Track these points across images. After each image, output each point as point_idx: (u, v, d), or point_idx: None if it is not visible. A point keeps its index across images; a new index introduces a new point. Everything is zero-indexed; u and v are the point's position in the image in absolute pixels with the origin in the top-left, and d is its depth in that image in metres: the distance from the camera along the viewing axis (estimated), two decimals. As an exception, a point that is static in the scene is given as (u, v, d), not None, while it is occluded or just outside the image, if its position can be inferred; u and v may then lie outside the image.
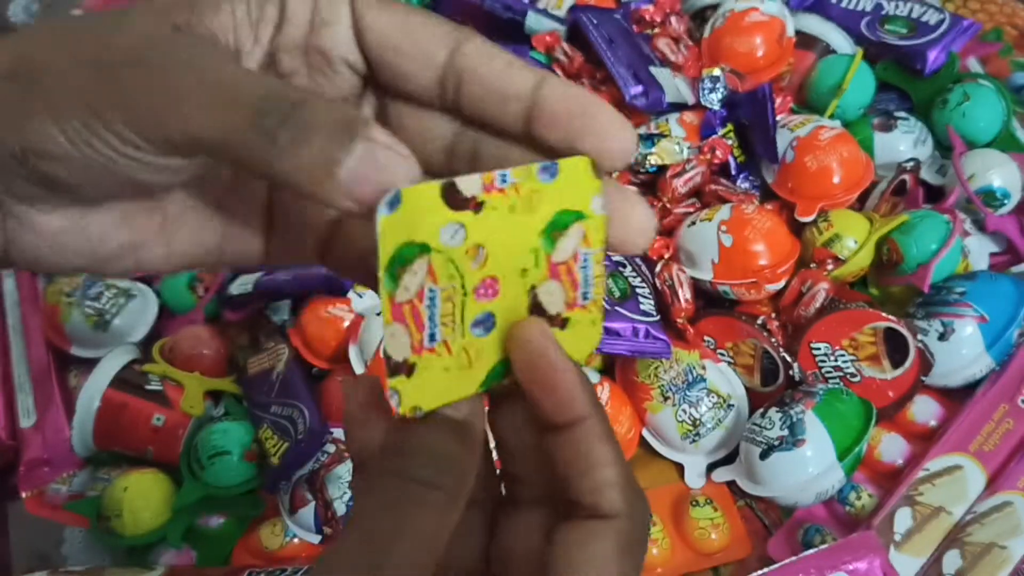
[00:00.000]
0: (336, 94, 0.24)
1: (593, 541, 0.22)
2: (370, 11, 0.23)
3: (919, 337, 0.58)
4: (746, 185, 0.68)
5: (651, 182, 0.68)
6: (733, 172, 0.68)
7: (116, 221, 0.23)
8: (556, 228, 0.21)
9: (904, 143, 0.69)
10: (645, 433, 0.60)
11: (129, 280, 0.68)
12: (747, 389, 0.60)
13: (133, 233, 0.24)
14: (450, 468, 0.21)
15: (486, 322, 0.22)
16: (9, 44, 0.22)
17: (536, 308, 0.22)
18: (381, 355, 0.49)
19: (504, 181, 0.20)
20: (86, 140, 0.20)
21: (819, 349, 0.60)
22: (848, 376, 0.59)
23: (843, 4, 0.77)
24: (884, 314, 0.58)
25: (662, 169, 0.66)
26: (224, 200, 0.25)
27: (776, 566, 0.50)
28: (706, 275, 0.62)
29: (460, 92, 0.22)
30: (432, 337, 0.21)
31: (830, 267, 0.62)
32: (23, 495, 0.59)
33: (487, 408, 0.24)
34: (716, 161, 0.67)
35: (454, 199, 0.20)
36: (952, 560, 0.51)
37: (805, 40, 0.75)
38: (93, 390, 0.59)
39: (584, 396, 0.22)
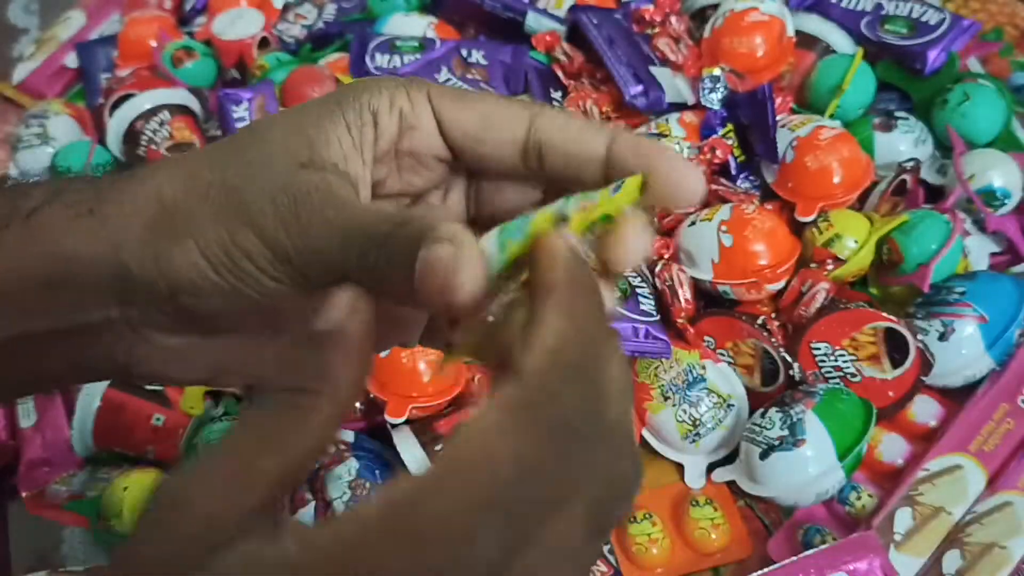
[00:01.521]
0: (427, 185, 0.27)
1: (481, 406, 0.20)
2: (449, 108, 0.25)
3: (919, 337, 0.58)
4: (746, 185, 0.68)
5: (651, 182, 0.68)
6: (733, 172, 0.68)
7: (234, 346, 0.26)
8: (590, 228, 0.23)
9: (904, 143, 0.69)
10: (645, 433, 0.60)
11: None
12: (747, 389, 0.60)
13: (247, 356, 0.27)
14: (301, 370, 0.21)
15: None
16: (141, 192, 0.25)
17: None
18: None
19: (589, 200, 0.23)
20: (230, 270, 0.24)
21: (819, 349, 0.60)
22: (848, 376, 0.59)
23: (843, 4, 0.77)
24: (884, 314, 0.58)
25: (662, 169, 0.66)
26: None
27: (776, 566, 0.50)
28: (706, 275, 0.62)
29: (542, 164, 0.25)
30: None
31: (830, 267, 0.62)
32: (23, 495, 0.59)
33: None
34: (716, 161, 0.67)
35: (559, 219, 0.23)
36: (952, 560, 0.51)
37: (805, 40, 0.75)
38: (93, 390, 0.59)
39: (561, 267, 0.21)
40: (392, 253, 0.22)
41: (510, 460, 0.18)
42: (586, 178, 0.25)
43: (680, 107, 0.71)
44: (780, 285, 0.62)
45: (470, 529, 0.18)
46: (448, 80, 0.75)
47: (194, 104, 0.78)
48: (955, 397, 0.60)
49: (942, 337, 0.58)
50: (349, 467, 0.55)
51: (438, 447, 0.55)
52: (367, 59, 0.76)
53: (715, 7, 0.76)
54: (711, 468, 0.59)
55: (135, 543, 0.20)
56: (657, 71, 0.72)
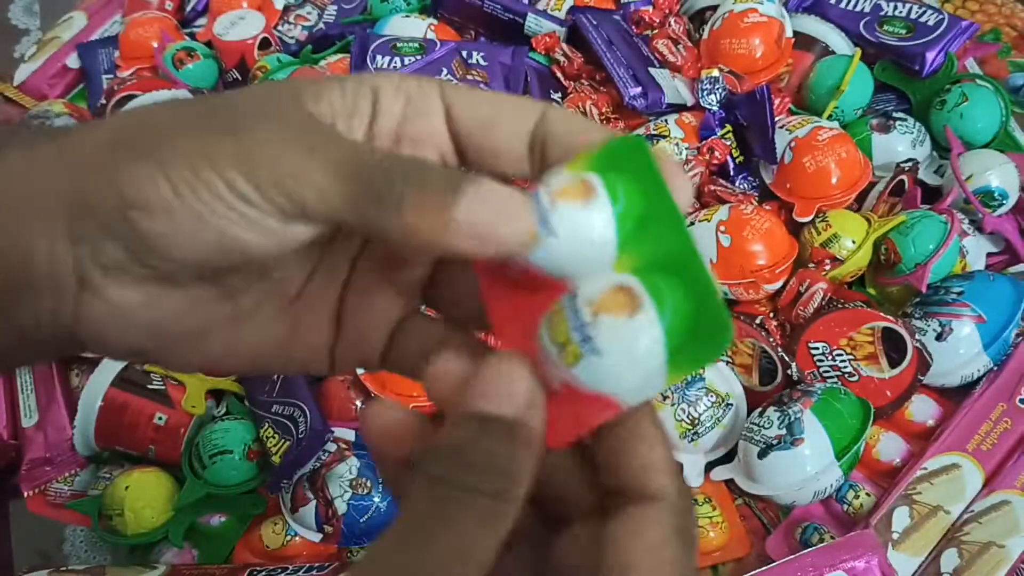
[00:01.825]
0: None
1: (648, 526, 0.21)
2: (460, 97, 0.24)
3: (917, 337, 0.58)
4: (744, 186, 0.69)
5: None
6: (731, 173, 0.68)
7: (188, 304, 0.23)
8: None
9: (902, 144, 0.69)
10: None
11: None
12: (745, 388, 0.61)
13: (202, 319, 0.23)
14: (494, 471, 0.19)
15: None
16: (110, 120, 0.22)
17: None
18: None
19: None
20: (193, 189, 0.20)
21: (817, 348, 0.60)
22: (846, 375, 0.59)
23: (841, 5, 0.77)
24: (882, 314, 0.58)
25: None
26: (295, 304, 0.25)
27: (774, 565, 0.51)
28: (705, 275, 0.62)
29: (545, 156, 0.23)
30: None
31: (828, 267, 0.62)
32: (25, 494, 0.59)
33: None
34: (715, 162, 0.67)
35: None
36: (950, 559, 0.52)
37: (803, 41, 0.75)
38: (95, 389, 0.59)
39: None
40: (420, 181, 0.20)
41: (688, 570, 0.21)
42: None
43: (679, 108, 0.71)
44: (778, 285, 0.62)
45: None
46: (448, 81, 0.75)
47: (195, 105, 0.78)
48: (953, 397, 0.60)
49: (940, 337, 0.59)
50: (350, 466, 0.55)
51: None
52: (368, 60, 0.77)
53: (714, 9, 0.76)
54: (709, 467, 0.59)
55: None
56: (656, 72, 0.72)
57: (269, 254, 0.22)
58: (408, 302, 0.25)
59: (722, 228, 0.62)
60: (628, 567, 0.20)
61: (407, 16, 0.82)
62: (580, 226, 0.20)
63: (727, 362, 0.62)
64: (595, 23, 0.75)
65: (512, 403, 0.20)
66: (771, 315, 0.63)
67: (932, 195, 0.68)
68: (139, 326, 0.23)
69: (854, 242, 0.62)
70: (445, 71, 0.76)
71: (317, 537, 0.55)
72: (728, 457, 0.59)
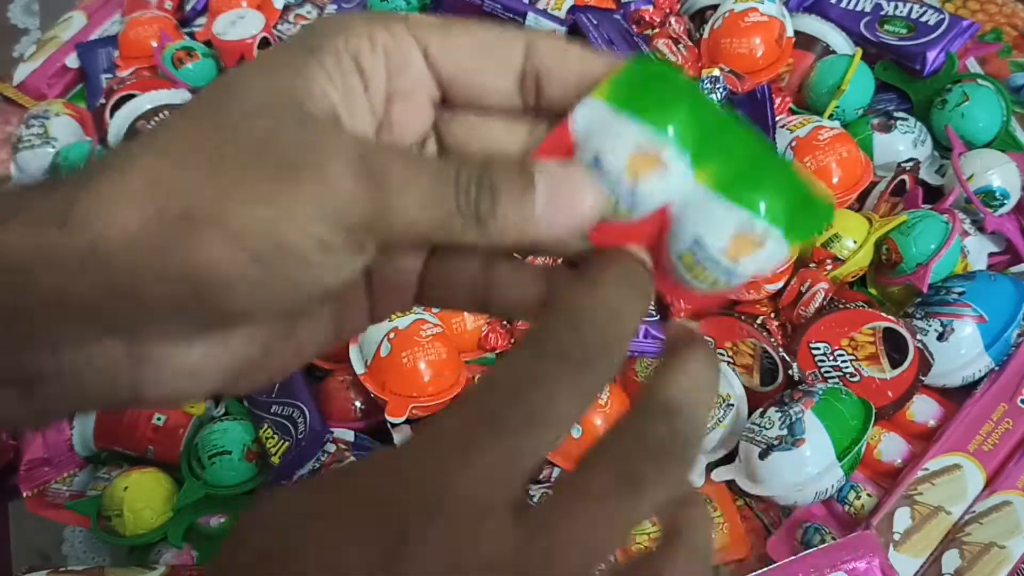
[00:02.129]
0: (421, 132, 0.24)
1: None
2: (436, 39, 0.23)
3: (918, 337, 0.58)
4: (745, 185, 0.68)
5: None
6: (732, 172, 0.68)
7: (250, 336, 0.22)
8: None
9: (903, 143, 0.69)
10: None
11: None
12: (746, 389, 0.60)
13: (265, 345, 0.22)
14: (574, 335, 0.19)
15: None
16: (139, 176, 0.19)
17: None
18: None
19: None
20: (276, 253, 0.19)
21: (818, 349, 0.60)
22: (847, 376, 0.59)
23: (842, 5, 0.77)
24: (883, 314, 0.58)
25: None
26: (340, 302, 0.25)
27: (775, 565, 0.50)
28: (705, 275, 0.62)
29: (540, 94, 0.23)
30: None
31: (829, 267, 0.62)
32: (24, 494, 0.59)
33: None
34: (715, 161, 0.67)
35: None
36: (951, 560, 0.52)
37: (804, 40, 0.75)
38: (94, 390, 0.59)
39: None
40: (494, 188, 0.20)
41: None
42: None
43: (679, 108, 0.71)
44: (779, 285, 0.62)
45: None
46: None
47: (195, 105, 0.78)
48: (954, 397, 0.60)
49: (941, 337, 0.58)
50: (349, 467, 0.55)
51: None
52: (367, 60, 0.76)
53: (714, 8, 0.76)
54: (710, 467, 0.59)
55: None
56: (656, 71, 0.72)
57: (346, 284, 0.21)
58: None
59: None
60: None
61: (407, 16, 0.81)
62: (661, 192, 0.21)
63: (728, 362, 0.62)
64: (595, 22, 0.75)
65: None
66: (772, 315, 0.62)
67: (933, 195, 0.68)
68: (208, 376, 0.22)
69: (855, 242, 0.62)
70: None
71: (317, 538, 0.55)
72: (729, 458, 0.59)
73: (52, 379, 0.20)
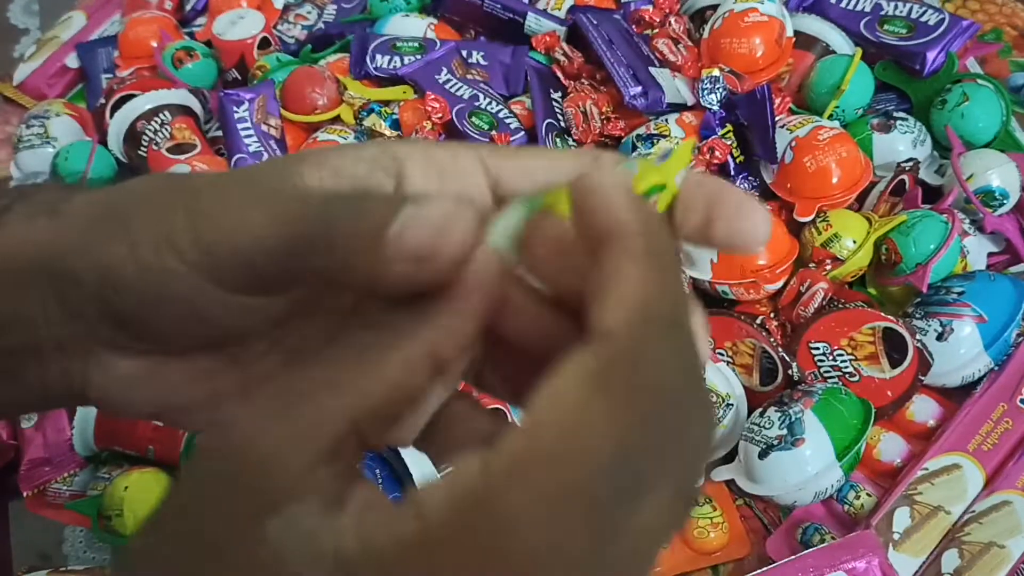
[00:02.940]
0: None
1: (561, 367, 0.16)
2: (507, 166, 0.22)
3: (918, 337, 0.58)
4: (745, 185, 0.68)
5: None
6: (732, 172, 0.68)
7: (193, 374, 0.23)
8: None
9: (903, 143, 0.69)
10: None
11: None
12: (746, 388, 0.61)
13: (210, 389, 0.23)
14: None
15: None
16: (106, 191, 0.22)
17: None
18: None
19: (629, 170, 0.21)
20: (156, 265, 0.20)
21: (818, 349, 0.60)
22: (847, 375, 0.59)
23: (842, 5, 0.77)
24: (883, 314, 0.58)
25: (661, 169, 0.66)
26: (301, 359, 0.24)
27: (775, 565, 0.50)
28: (705, 275, 0.62)
29: None
30: None
31: (829, 267, 0.62)
32: (24, 494, 0.59)
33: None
34: (715, 161, 0.67)
35: None
36: (951, 559, 0.52)
37: (804, 40, 0.75)
38: (94, 390, 0.59)
39: (624, 209, 0.18)
40: (357, 210, 0.19)
41: (604, 443, 0.15)
42: None
43: (679, 108, 0.71)
44: (779, 285, 0.62)
45: (556, 528, 0.15)
46: (448, 81, 0.75)
47: (195, 105, 0.79)
48: (953, 397, 0.60)
49: (940, 337, 0.58)
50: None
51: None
52: (367, 60, 0.76)
53: (714, 8, 0.76)
54: (710, 467, 0.59)
55: (167, 506, 0.18)
56: (656, 72, 0.72)
57: (245, 325, 0.21)
58: None
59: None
60: (526, 411, 0.16)
61: (407, 15, 0.81)
62: None
63: (728, 362, 0.62)
64: (595, 22, 0.75)
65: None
66: (772, 315, 0.62)
67: (933, 195, 0.68)
68: (145, 395, 0.23)
69: (855, 242, 0.62)
70: (445, 70, 0.76)
71: (316, 538, 0.55)
72: (728, 457, 0.59)
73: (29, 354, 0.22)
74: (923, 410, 0.60)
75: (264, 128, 0.74)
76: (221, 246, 0.20)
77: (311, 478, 0.17)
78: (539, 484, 0.15)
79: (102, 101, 0.80)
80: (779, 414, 0.56)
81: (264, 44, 0.82)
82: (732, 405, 0.59)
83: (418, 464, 0.54)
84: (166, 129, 0.75)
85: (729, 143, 0.68)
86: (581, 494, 0.15)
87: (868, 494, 0.56)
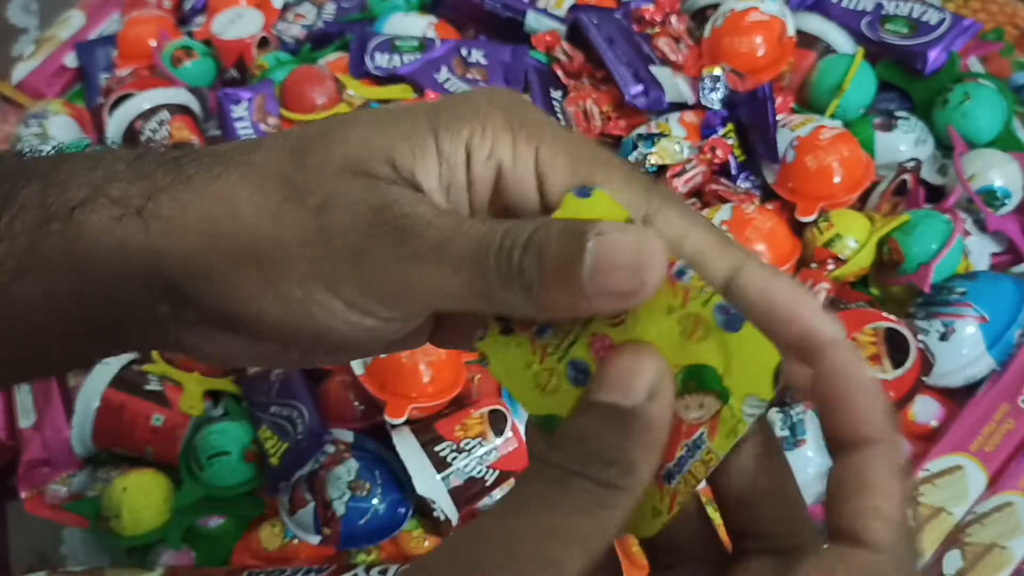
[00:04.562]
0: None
1: (837, 569, 0.18)
2: (557, 165, 0.22)
3: (920, 337, 0.58)
4: (747, 185, 0.68)
5: (651, 182, 0.68)
6: (733, 172, 0.68)
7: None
8: (695, 379, 0.20)
9: (905, 143, 0.69)
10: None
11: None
12: (747, 389, 0.60)
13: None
14: (603, 459, 0.18)
15: (579, 371, 0.21)
16: (207, 205, 0.21)
17: None
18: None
19: (681, 276, 0.20)
20: (306, 307, 0.20)
21: (819, 349, 0.59)
22: (848, 376, 0.59)
23: (844, 4, 0.77)
24: (885, 314, 0.58)
25: (662, 169, 0.66)
26: None
27: (776, 567, 0.50)
28: (706, 275, 0.62)
29: None
30: (540, 332, 0.21)
31: (831, 267, 0.62)
32: (22, 495, 0.59)
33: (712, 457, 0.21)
34: (716, 161, 0.67)
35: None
36: (953, 560, 0.51)
37: (805, 40, 0.75)
38: (92, 390, 0.59)
39: (880, 419, 0.19)
40: (541, 249, 0.19)
41: None
42: None
43: (680, 107, 0.71)
44: (780, 285, 0.61)
45: None
46: (447, 80, 0.75)
47: (194, 104, 0.78)
48: (956, 397, 0.60)
49: (943, 337, 0.58)
50: (349, 467, 0.55)
51: (438, 447, 0.55)
52: (367, 59, 0.76)
53: (715, 7, 0.76)
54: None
55: None
56: (657, 71, 0.72)
57: (366, 342, 0.23)
58: None
59: (724, 228, 0.61)
60: None
61: (406, 14, 0.81)
62: None
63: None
64: (596, 21, 0.75)
65: (631, 393, 0.19)
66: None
67: (935, 194, 0.68)
68: (235, 355, 0.24)
69: (857, 242, 0.62)
70: (445, 69, 0.76)
71: (315, 539, 0.55)
72: (730, 458, 0.59)
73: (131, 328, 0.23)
74: (925, 411, 0.59)
75: (263, 127, 0.74)
76: (401, 300, 0.20)
77: None
78: None
79: (101, 100, 0.80)
80: (780, 415, 0.55)
81: (263, 43, 0.81)
82: (733, 406, 0.59)
83: (418, 465, 0.54)
84: (165, 128, 0.75)
85: (730, 142, 0.68)
86: None
87: (870, 495, 0.56)
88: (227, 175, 0.21)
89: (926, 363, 0.57)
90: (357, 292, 0.20)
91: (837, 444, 0.19)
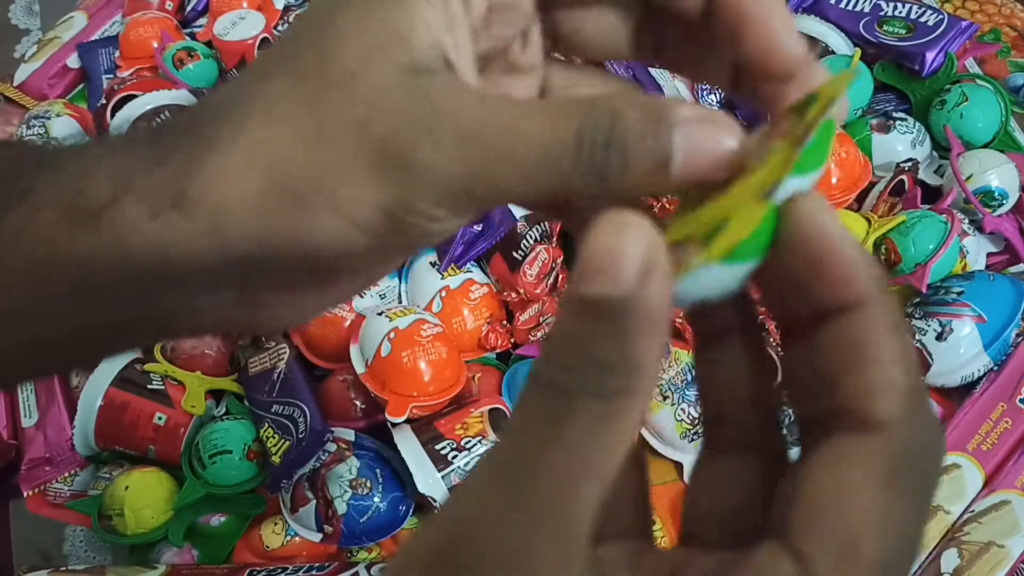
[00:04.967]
0: (516, 33, 0.23)
1: (847, 462, 0.16)
2: None
3: (917, 337, 0.58)
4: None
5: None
6: (732, 173, 0.68)
7: (352, 281, 0.23)
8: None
9: (902, 144, 0.69)
10: (644, 432, 0.61)
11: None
12: (746, 388, 0.60)
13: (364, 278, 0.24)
14: (600, 367, 0.16)
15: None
16: (243, 158, 0.19)
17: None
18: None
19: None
20: (386, 227, 0.19)
21: (817, 349, 0.60)
22: (846, 375, 0.59)
23: (841, 5, 0.77)
24: (882, 314, 0.58)
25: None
26: None
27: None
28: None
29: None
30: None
31: (828, 267, 0.62)
32: (25, 494, 0.59)
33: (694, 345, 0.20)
34: (715, 162, 0.67)
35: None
36: (950, 559, 0.52)
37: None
38: (95, 389, 0.59)
39: (866, 275, 0.17)
40: (624, 145, 0.18)
41: (897, 550, 0.16)
42: (684, 12, 0.21)
43: (679, 108, 0.71)
44: (779, 285, 0.62)
45: None
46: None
47: (195, 105, 0.79)
48: (953, 397, 0.60)
49: (940, 337, 0.59)
50: (350, 466, 0.55)
51: (439, 446, 0.55)
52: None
53: (714, 9, 0.76)
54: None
55: None
56: (656, 72, 0.72)
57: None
58: None
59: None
60: (814, 510, 0.16)
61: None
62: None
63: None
64: (595, 23, 0.75)
65: (618, 280, 0.15)
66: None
67: (932, 195, 0.68)
68: (308, 312, 0.23)
69: (854, 242, 0.62)
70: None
71: (317, 537, 0.55)
72: (728, 457, 0.59)
73: (180, 317, 0.22)
74: (922, 410, 0.60)
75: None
76: (465, 207, 0.19)
77: None
78: None
79: (103, 101, 0.81)
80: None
81: (265, 44, 0.82)
82: (732, 405, 0.59)
83: (419, 463, 0.54)
84: (167, 129, 0.75)
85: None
86: None
87: (868, 494, 0.56)
88: (245, 124, 0.19)
89: (923, 363, 0.57)
90: (422, 200, 0.19)
91: (816, 317, 0.17)
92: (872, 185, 0.67)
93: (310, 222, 0.19)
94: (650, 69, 0.72)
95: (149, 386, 0.60)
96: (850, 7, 0.77)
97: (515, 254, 0.63)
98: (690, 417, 0.59)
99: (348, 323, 0.62)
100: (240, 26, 0.82)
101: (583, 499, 0.16)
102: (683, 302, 0.18)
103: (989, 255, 0.66)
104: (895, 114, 0.71)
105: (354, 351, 0.59)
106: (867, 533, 0.16)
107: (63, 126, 0.79)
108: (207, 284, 0.20)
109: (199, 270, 0.20)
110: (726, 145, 0.18)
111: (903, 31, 0.74)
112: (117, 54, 0.85)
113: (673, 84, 0.72)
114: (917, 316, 0.60)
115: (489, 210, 0.20)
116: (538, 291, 0.63)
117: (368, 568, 0.53)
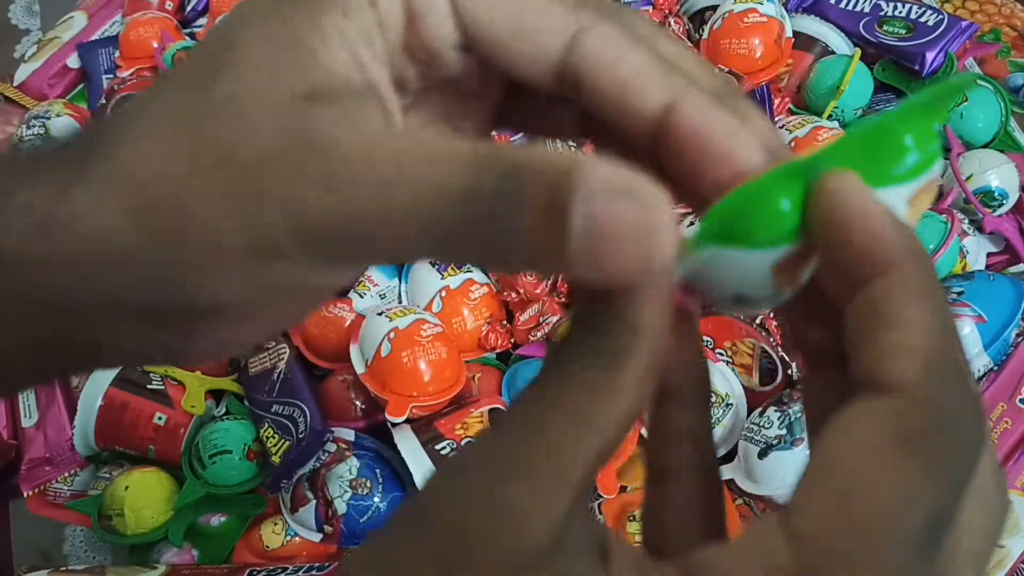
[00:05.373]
0: (452, 76, 0.20)
1: (860, 425, 0.15)
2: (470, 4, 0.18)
3: (917, 337, 0.58)
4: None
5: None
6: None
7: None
8: None
9: (902, 144, 0.69)
10: (644, 432, 0.61)
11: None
12: (745, 388, 0.61)
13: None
14: (606, 336, 0.16)
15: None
16: (115, 185, 0.17)
17: None
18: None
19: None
20: (262, 281, 0.17)
21: (817, 349, 0.60)
22: (846, 375, 0.59)
23: (841, 5, 0.77)
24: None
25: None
26: None
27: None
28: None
29: (579, 95, 0.18)
30: None
31: (828, 267, 0.62)
32: (25, 494, 0.59)
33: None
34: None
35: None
36: (950, 559, 0.52)
37: (803, 41, 0.75)
38: (95, 389, 0.59)
39: (894, 243, 0.16)
40: (512, 213, 0.15)
41: (919, 513, 0.15)
42: (631, 134, 0.18)
43: (679, 108, 0.71)
44: (778, 285, 0.62)
45: None
46: None
47: (195, 105, 0.79)
48: (953, 396, 0.60)
49: (940, 337, 0.59)
50: (350, 466, 0.55)
51: (438, 446, 0.55)
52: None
53: (713, 9, 0.76)
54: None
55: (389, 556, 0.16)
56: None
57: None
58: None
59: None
60: (827, 470, 0.15)
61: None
62: None
63: (727, 362, 0.62)
64: (595, 23, 0.75)
65: (641, 255, 0.15)
66: (771, 315, 0.63)
67: (932, 195, 0.68)
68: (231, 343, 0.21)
69: (854, 242, 0.62)
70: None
71: (317, 537, 0.55)
72: (728, 457, 0.59)
73: (103, 346, 0.19)
74: (922, 410, 0.60)
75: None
76: (353, 259, 0.17)
77: (564, 535, 0.15)
78: (848, 562, 0.15)
79: (103, 101, 0.81)
80: (778, 414, 0.56)
81: (265, 45, 0.82)
82: (731, 405, 0.59)
83: (419, 463, 0.54)
84: (167, 129, 0.75)
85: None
86: (895, 569, 0.15)
87: (867, 494, 0.56)
88: (120, 148, 0.17)
89: (923, 362, 0.58)
90: (285, 244, 0.16)
91: (849, 283, 0.17)
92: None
93: (173, 257, 0.17)
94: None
95: (149, 386, 0.60)
96: (850, 7, 0.77)
97: (515, 254, 0.63)
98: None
99: (348, 323, 0.62)
100: (240, 26, 0.82)
101: (582, 448, 0.15)
102: (721, 295, 0.18)
103: (989, 255, 0.66)
104: (895, 114, 0.71)
105: (354, 351, 0.59)
106: (866, 492, 0.15)
107: (63, 126, 0.79)
108: (106, 314, 0.18)
109: (79, 298, 0.17)
110: (656, 227, 0.15)
111: (903, 31, 0.74)
112: (117, 54, 0.85)
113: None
114: (917, 316, 0.60)
115: (375, 265, 0.18)
116: (538, 291, 0.63)
117: (368, 568, 0.53)
